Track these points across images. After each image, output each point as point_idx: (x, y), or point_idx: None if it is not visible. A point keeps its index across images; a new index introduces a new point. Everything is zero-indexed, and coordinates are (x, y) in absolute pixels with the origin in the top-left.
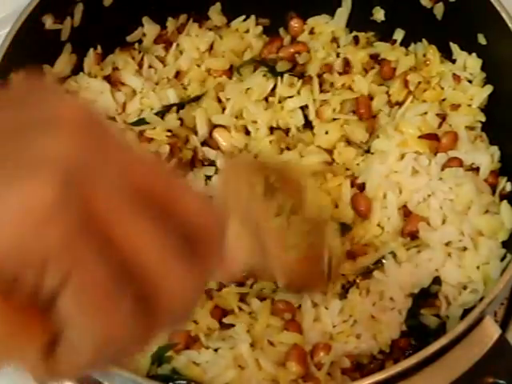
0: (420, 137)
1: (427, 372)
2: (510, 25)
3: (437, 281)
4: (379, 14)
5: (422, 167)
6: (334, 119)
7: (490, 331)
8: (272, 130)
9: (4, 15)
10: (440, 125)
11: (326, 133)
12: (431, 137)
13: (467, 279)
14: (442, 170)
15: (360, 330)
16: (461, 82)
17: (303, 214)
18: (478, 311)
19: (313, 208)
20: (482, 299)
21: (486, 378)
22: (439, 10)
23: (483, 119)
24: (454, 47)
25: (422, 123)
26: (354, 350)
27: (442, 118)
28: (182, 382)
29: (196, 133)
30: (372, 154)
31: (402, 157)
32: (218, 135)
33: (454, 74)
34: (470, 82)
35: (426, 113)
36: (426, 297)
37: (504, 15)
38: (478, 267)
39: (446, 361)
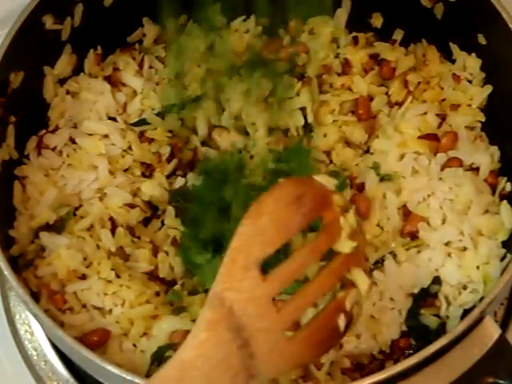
0: (420, 137)
1: (427, 372)
2: (510, 25)
3: (437, 281)
4: (377, 21)
5: (422, 167)
6: (334, 121)
7: (490, 331)
8: (271, 130)
9: (4, 15)
10: (440, 125)
11: (325, 135)
12: (431, 137)
13: (467, 279)
14: (442, 170)
15: (360, 329)
16: (461, 82)
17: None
18: (478, 311)
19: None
20: (482, 299)
21: (486, 377)
22: (439, 10)
23: (483, 119)
24: (454, 47)
25: (421, 123)
26: (354, 350)
27: (442, 118)
28: None
29: (196, 133)
30: (371, 154)
31: (402, 157)
32: (218, 136)
33: (453, 74)
34: (469, 82)
35: (425, 113)
36: (425, 297)
37: (504, 15)
38: (477, 267)
39: (446, 361)
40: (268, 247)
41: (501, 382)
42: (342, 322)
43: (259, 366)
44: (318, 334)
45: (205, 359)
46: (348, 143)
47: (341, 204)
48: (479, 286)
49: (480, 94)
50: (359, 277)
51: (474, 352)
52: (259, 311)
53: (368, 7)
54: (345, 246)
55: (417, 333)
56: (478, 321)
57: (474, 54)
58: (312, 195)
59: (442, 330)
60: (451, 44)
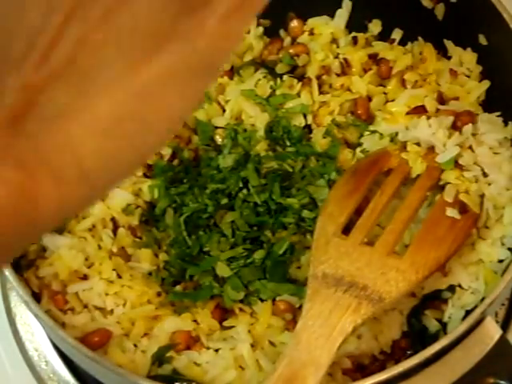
0: (408, 112)
1: (428, 372)
2: (511, 26)
3: (451, 289)
4: (376, 28)
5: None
6: (333, 122)
7: (491, 332)
8: (271, 131)
9: None
10: (437, 111)
11: (324, 137)
12: (419, 109)
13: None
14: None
15: (361, 330)
16: (458, 77)
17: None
18: (479, 312)
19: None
20: (482, 299)
21: (487, 378)
22: (440, 11)
23: (480, 113)
24: (448, 43)
25: (409, 100)
26: (354, 351)
27: (440, 103)
28: (182, 382)
29: (198, 133)
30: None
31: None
32: (218, 136)
33: (450, 70)
34: (468, 77)
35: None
36: (435, 299)
37: (506, 16)
38: (479, 267)
39: (447, 361)
40: (339, 219)
41: (501, 382)
42: (452, 213)
43: (378, 290)
44: (432, 233)
45: (317, 315)
46: (348, 144)
47: (397, 148)
48: (480, 286)
49: (477, 88)
50: (446, 175)
51: (475, 352)
52: (351, 258)
53: (368, 8)
54: (417, 168)
55: (414, 332)
56: (479, 321)
57: (469, 49)
58: (362, 165)
59: (439, 336)
60: (445, 40)
